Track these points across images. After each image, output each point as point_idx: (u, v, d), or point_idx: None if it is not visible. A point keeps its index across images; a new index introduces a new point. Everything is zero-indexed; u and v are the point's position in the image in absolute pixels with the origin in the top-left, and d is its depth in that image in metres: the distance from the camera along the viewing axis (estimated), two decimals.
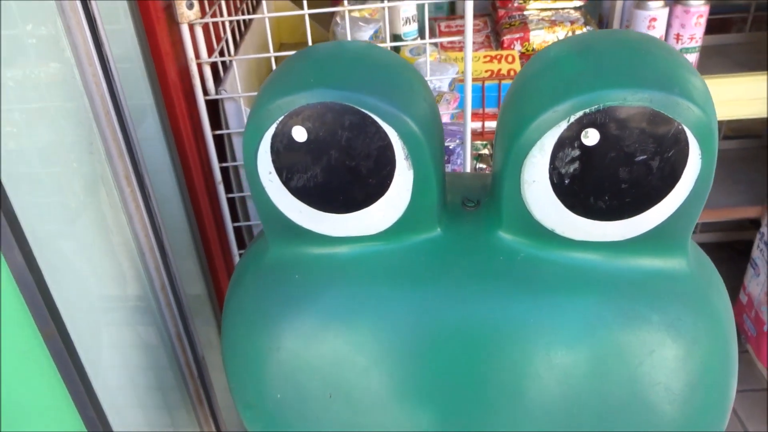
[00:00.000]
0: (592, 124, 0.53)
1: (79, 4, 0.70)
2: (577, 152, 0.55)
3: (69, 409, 0.68)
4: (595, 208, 0.57)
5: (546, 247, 0.61)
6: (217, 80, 1.06)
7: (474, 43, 1.79)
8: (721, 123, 2.37)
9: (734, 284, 2.13)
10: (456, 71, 1.24)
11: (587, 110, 0.53)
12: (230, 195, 1.11)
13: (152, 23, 0.95)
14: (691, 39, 1.71)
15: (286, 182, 0.61)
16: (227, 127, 1.05)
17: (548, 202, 0.58)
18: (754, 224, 2.03)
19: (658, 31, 1.71)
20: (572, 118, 0.53)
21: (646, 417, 0.60)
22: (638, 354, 0.59)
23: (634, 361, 0.59)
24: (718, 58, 1.98)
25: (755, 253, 2.05)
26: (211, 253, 1.17)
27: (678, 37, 1.73)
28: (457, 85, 1.31)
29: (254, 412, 0.69)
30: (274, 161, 0.60)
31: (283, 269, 0.67)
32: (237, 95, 1.02)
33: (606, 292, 0.61)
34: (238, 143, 1.07)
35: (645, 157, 0.54)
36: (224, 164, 1.07)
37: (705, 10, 1.68)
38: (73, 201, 0.86)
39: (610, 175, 0.55)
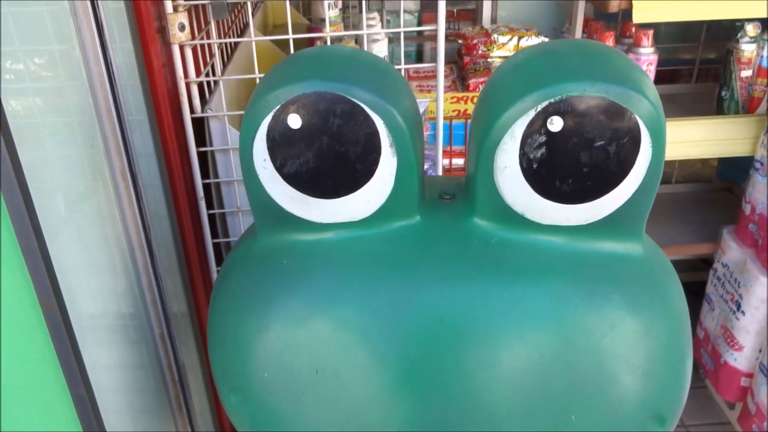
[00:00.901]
0: (557, 113, 0.60)
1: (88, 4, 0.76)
2: (543, 138, 0.61)
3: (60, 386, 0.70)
4: (560, 192, 0.64)
5: (517, 231, 0.68)
6: (204, 100, 1.12)
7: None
8: (672, 165, 2.52)
9: (691, 322, 2.21)
10: (426, 104, 1.32)
11: (552, 100, 0.60)
12: (211, 211, 1.15)
13: (147, 43, 1.02)
14: None
15: (280, 169, 0.66)
16: (211, 145, 1.10)
17: (518, 187, 0.65)
18: (708, 264, 2.14)
19: None
20: (539, 107, 0.60)
21: (609, 388, 0.65)
22: (601, 328, 0.65)
23: (597, 334, 0.65)
24: (669, 105, 2.12)
25: (709, 288, 2.15)
26: (191, 268, 1.20)
27: None
28: (429, 122, 1.39)
29: (239, 396, 0.72)
30: (269, 148, 0.65)
31: (272, 256, 0.72)
32: (222, 114, 1.07)
33: (571, 273, 0.67)
34: (221, 160, 1.12)
35: (603, 142, 0.61)
36: (207, 180, 1.12)
37: (654, 58, 1.82)
38: (73, 189, 0.91)
39: (573, 160, 0.62)
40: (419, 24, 2.33)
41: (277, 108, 0.63)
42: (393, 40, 1.85)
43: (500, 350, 0.64)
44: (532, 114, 0.61)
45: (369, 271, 0.68)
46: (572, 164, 0.62)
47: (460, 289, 0.66)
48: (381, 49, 1.47)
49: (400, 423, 0.64)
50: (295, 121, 0.63)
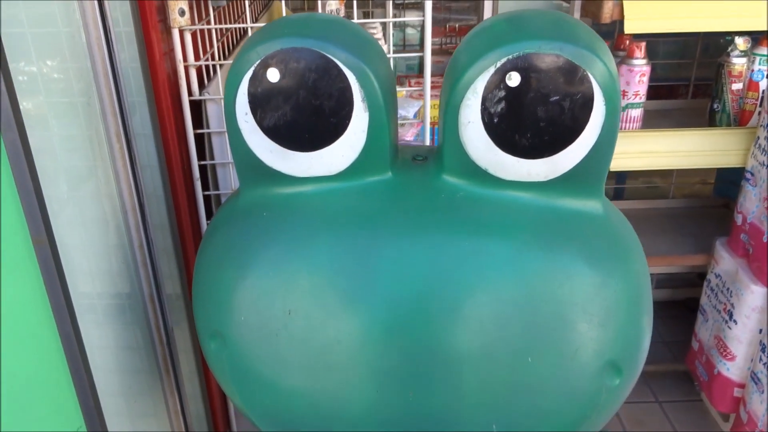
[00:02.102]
0: (514, 68, 0.65)
1: None
2: (503, 93, 0.66)
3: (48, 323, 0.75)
4: (519, 146, 0.68)
5: (482, 186, 0.72)
6: (203, 86, 1.18)
7: (434, 96, 1.97)
8: (669, 180, 2.54)
9: (686, 338, 2.23)
10: (419, 105, 1.38)
11: (510, 56, 0.65)
12: (206, 192, 1.20)
13: (148, 27, 1.08)
14: (636, 95, 1.88)
15: (260, 122, 0.71)
16: (208, 127, 1.15)
17: (481, 142, 0.69)
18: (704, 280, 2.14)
19: None
20: (498, 64, 0.65)
21: (565, 333, 0.68)
22: (559, 277, 0.69)
23: (555, 283, 0.68)
24: (664, 120, 2.17)
25: (703, 300, 2.16)
26: (186, 249, 1.25)
27: (624, 93, 1.90)
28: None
29: (219, 341, 0.75)
30: (250, 102, 0.70)
31: (253, 209, 0.76)
32: (219, 97, 1.13)
33: (532, 226, 0.71)
34: (217, 143, 1.17)
35: (557, 98, 0.66)
36: (203, 162, 1.17)
37: (647, 69, 1.87)
38: (74, 169, 0.96)
39: (530, 114, 0.66)
40: (423, 37, 2.40)
41: (257, 63, 0.68)
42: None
43: (462, 295, 0.68)
44: (492, 70, 0.66)
45: (341, 221, 0.72)
46: (530, 118, 0.67)
47: (426, 238, 0.70)
48: None
49: (366, 362, 0.68)
50: (273, 75, 0.68)
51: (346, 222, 0.72)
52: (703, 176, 2.71)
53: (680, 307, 2.59)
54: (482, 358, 0.67)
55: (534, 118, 0.67)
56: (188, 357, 1.33)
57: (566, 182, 0.71)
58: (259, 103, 0.70)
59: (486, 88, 0.66)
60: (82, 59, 0.98)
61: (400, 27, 2.38)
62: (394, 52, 1.95)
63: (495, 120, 0.68)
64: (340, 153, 0.72)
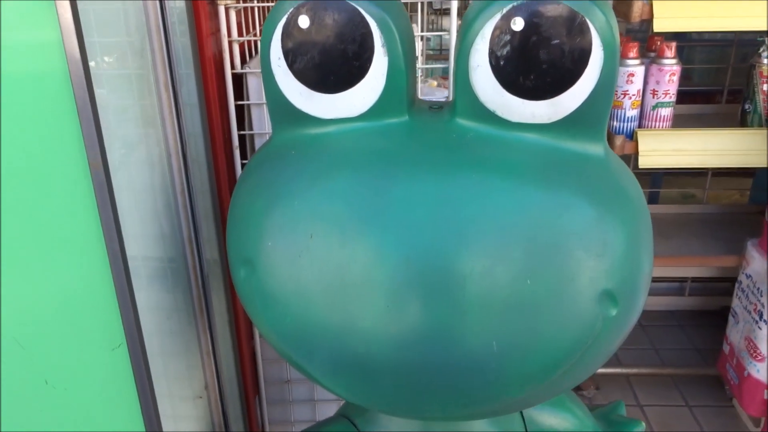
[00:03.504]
0: (519, 14, 0.72)
1: None
2: (508, 37, 0.73)
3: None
4: (524, 87, 0.75)
5: (490, 128, 0.79)
6: (245, 63, 1.28)
7: None
8: (702, 185, 2.54)
9: (719, 346, 2.22)
10: (445, 94, 1.46)
11: (515, 3, 0.72)
12: (244, 161, 1.29)
13: (198, 6, 1.19)
14: (666, 94, 1.92)
15: (291, 65, 0.79)
16: (248, 99, 1.25)
17: (489, 84, 0.76)
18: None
19: (635, 86, 1.92)
20: (504, 10, 0.72)
21: (563, 260, 0.74)
22: (558, 209, 0.74)
23: (554, 213, 0.74)
24: (697, 123, 2.20)
25: (734, 302, 2.16)
26: (225, 215, 1.34)
27: (654, 92, 1.94)
28: None
29: (248, 268, 0.83)
30: (282, 47, 0.79)
31: (283, 148, 0.85)
32: (258, 71, 1.23)
33: (535, 163, 0.77)
34: (256, 114, 1.27)
35: (558, 41, 0.72)
36: (242, 132, 1.27)
37: (677, 69, 1.90)
38: (128, 136, 1.05)
39: (534, 57, 0.73)
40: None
41: (290, 11, 0.77)
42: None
43: (467, 221, 0.74)
44: (498, 16, 0.73)
45: (360, 156, 0.80)
46: (533, 61, 0.73)
47: (437, 171, 0.77)
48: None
49: (378, 280, 0.74)
50: (304, 22, 0.77)
51: (365, 157, 0.80)
52: (738, 185, 2.71)
53: (714, 316, 2.58)
54: (484, 278, 0.72)
55: (537, 60, 0.73)
56: (222, 319, 1.41)
57: (569, 125, 0.77)
58: (290, 48, 0.79)
59: (493, 33, 0.73)
60: (141, 35, 1.08)
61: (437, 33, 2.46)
62: (430, 56, 2.03)
63: (501, 63, 0.74)
64: (362, 95, 0.80)
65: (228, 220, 0.89)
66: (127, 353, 0.87)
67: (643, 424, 1.24)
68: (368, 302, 0.75)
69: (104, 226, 0.83)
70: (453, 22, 1.22)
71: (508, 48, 0.74)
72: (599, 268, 0.75)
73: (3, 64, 0.78)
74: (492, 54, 0.74)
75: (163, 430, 0.94)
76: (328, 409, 1.62)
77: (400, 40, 0.78)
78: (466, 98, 0.78)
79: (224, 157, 1.29)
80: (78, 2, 0.80)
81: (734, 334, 2.12)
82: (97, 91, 0.85)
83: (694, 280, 2.62)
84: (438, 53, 2.44)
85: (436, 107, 0.86)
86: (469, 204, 0.74)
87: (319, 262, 0.77)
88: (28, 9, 0.77)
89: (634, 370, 2.31)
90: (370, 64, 0.78)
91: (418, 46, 1.69)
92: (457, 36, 0.79)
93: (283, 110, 0.84)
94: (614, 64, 0.74)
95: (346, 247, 0.76)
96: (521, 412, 1.10)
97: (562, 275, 0.74)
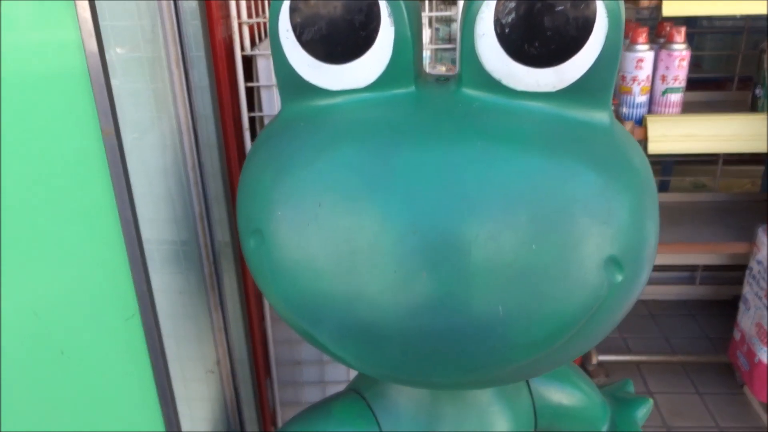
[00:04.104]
0: None
1: None
2: (513, 4, 0.74)
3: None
4: (529, 55, 0.76)
5: (496, 96, 0.79)
6: (255, 45, 1.30)
7: None
8: (714, 174, 2.53)
9: (730, 335, 2.21)
10: None
11: None
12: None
13: None
14: (675, 80, 1.92)
15: (299, 36, 0.81)
16: (258, 81, 1.26)
17: (494, 52, 0.77)
18: None
19: (645, 72, 1.92)
20: None
21: (568, 226, 0.74)
22: (563, 175, 0.75)
23: (559, 179, 0.75)
24: (708, 110, 2.19)
25: (745, 289, 2.15)
26: (235, 196, 1.36)
27: (663, 78, 1.94)
28: None
29: (258, 238, 0.85)
30: (291, 18, 0.80)
31: (291, 120, 0.86)
32: (267, 53, 1.25)
33: (540, 131, 0.78)
34: (265, 96, 1.28)
35: (562, 8, 0.73)
36: (252, 114, 1.28)
37: (687, 54, 1.90)
38: (140, 120, 1.07)
39: (538, 23, 0.74)
40: None
41: None
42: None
43: (473, 187, 0.75)
44: None
45: (367, 126, 0.81)
46: (538, 28, 0.74)
47: (442, 138, 0.78)
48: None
49: (385, 245, 0.75)
50: None
51: (371, 127, 0.81)
52: (750, 174, 2.69)
53: (726, 306, 2.57)
54: (490, 243, 0.73)
55: (542, 27, 0.74)
56: (234, 300, 1.43)
57: (574, 93, 0.78)
58: (298, 19, 0.80)
59: (498, 1, 0.74)
60: (152, 18, 1.10)
61: (446, 21, 2.47)
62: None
63: (507, 30, 0.75)
64: (369, 65, 0.81)
65: (238, 193, 0.91)
66: (141, 324, 0.89)
67: (651, 401, 1.24)
68: (375, 268, 0.76)
69: (117, 196, 0.85)
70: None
71: (513, 15, 0.74)
72: (604, 234, 0.76)
73: (16, 42, 0.81)
74: (497, 22, 0.75)
75: (176, 402, 0.95)
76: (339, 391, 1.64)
77: (407, 10, 0.79)
78: (471, 67, 0.79)
79: (234, 140, 1.30)
80: None
81: (745, 320, 2.11)
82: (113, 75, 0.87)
83: (705, 269, 2.61)
84: (446, 41, 2.44)
85: (443, 79, 0.87)
86: (474, 171, 0.75)
87: (327, 229, 0.78)
88: None
89: (644, 358, 2.31)
90: (376, 35, 0.79)
91: (426, 34, 1.69)
92: (464, 5, 0.80)
93: (291, 83, 0.85)
94: (619, 32, 0.75)
95: (353, 214, 0.77)
96: (529, 388, 1.11)
97: (567, 241, 0.74)
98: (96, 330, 0.91)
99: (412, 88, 0.83)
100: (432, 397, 1.02)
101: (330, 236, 0.78)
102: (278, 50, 0.83)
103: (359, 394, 1.07)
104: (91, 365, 0.92)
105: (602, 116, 0.80)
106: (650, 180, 0.83)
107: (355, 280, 0.77)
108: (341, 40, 0.80)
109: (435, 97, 0.83)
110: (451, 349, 0.77)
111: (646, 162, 0.84)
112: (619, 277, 0.77)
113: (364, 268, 0.77)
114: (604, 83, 0.78)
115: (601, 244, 0.76)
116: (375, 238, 0.76)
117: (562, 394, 1.14)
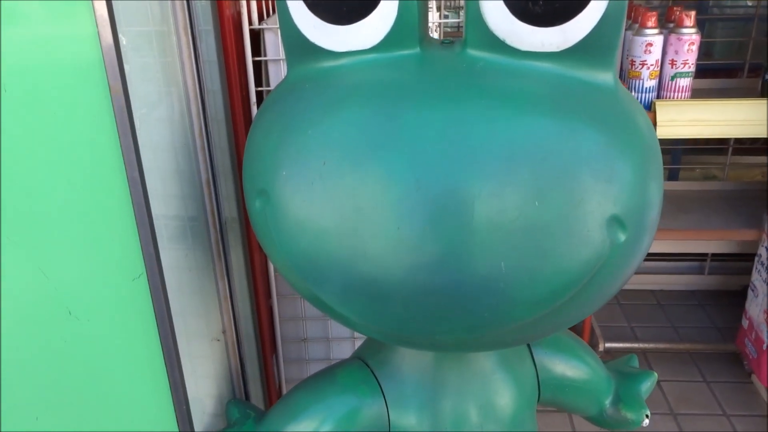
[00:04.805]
0: None
1: None
2: None
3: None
4: (533, 13, 0.76)
5: (500, 56, 0.80)
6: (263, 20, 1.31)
7: None
8: (723, 163, 2.52)
9: (738, 325, 2.20)
10: None
11: None
12: None
13: None
14: (684, 64, 1.91)
15: None
16: (265, 56, 1.27)
17: (498, 11, 0.77)
18: None
19: (654, 56, 1.91)
20: None
21: (571, 183, 0.74)
22: (565, 133, 0.75)
23: (562, 138, 0.75)
24: (717, 96, 2.18)
25: (754, 276, 2.14)
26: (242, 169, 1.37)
27: (672, 62, 1.93)
28: None
29: (263, 198, 0.85)
30: None
31: (297, 83, 0.87)
32: (276, 26, 1.25)
33: (544, 90, 0.78)
34: (273, 70, 1.29)
35: None
36: (260, 88, 1.29)
37: (696, 38, 1.89)
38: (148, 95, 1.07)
39: None
40: None
41: None
42: None
43: (476, 144, 0.75)
44: None
45: (372, 86, 0.81)
46: None
47: (446, 96, 0.78)
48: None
49: (389, 202, 0.76)
50: None
51: (376, 87, 0.81)
52: (759, 163, 2.68)
53: (734, 296, 2.56)
54: (493, 199, 0.74)
55: None
56: (240, 276, 1.44)
57: (578, 53, 0.78)
58: None
59: None
60: None
61: (455, 10, 2.48)
62: (448, 34, 2.04)
63: None
64: (374, 26, 0.81)
65: (244, 156, 0.91)
66: (147, 283, 0.90)
67: (656, 375, 1.24)
68: (379, 225, 0.77)
69: (124, 151, 0.86)
70: None
71: None
72: (607, 193, 0.76)
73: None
74: None
75: (181, 364, 0.96)
76: None
77: None
78: (476, 28, 0.80)
79: (242, 115, 1.31)
80: None
81: (753, 307, 2.10)
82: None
83: (714, 258, 2.60)
84: (455, 29, 2.45)
85: (448, 42, 0.87)
86: (478, 128, 0.76)
87: (332, 187, 0.79)
88: None
89: (651, 345, 2.30)
90: None
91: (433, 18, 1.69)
92: None
93: (297, 45, 0.86)
94: None
95: (357, 171, 0.77)
96: (533, 359, 1.11)
97: (570, 198, 0.75)
98: (103, 290, 0.92)
99: (416, 50, 0.84)
100: (435, 364, 1.02)
101: (334, 194, 0.79)
102: (284, 12, 0.84)
103: (363, 362, 1.08)
104: (98, 325, 0.93)
105: (606, 77, 0.80)
106: (655, 143, 0.83)
107: (359, 237, 0.78)
108: (347, 1, 0.81)
109: (440, 58, 0.84)
110: (454, 305, 0.78)
111: (651, 126, 0.84)
112: (622, 237, 0.78)
113: (368, 225, 0.77)
114: (608, 43, 0.78)
115: (604, 203, 0.76)
116: (379, 194, 0.77)
117: (566, 366, 1.14)
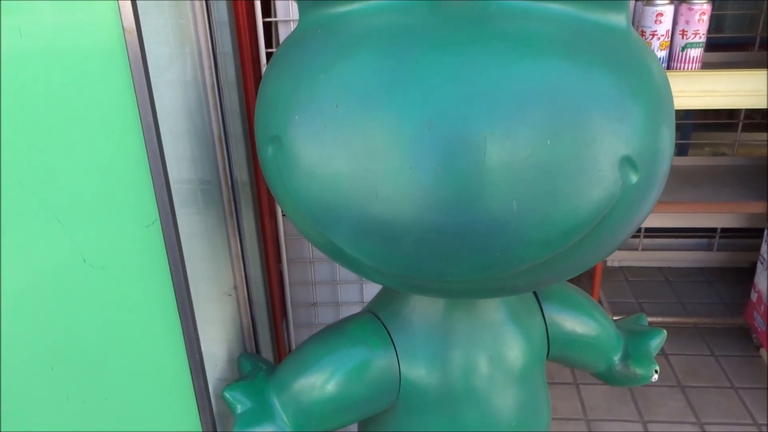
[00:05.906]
0: None
1: None
2: None
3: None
4: None
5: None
6: None
7: None
8: (733, 138, 2.50)
9: (747, 301, 2.20)
10: None
11: None
12: None
13: None
14: (695, 34, 1.90)
15: None
16: (275, 17, 1.28)
17: None
18: None
19: (664, 26, 1.90)
20: None
21: (583, 123, 0.75)
22: (578, 73, 0.76)
23: (575, 77, 0.75)
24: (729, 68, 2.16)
25: (763, 249, 2.14)
26: (253, 135, 1.37)
27: (683, 33, 1.92)
28: None
29: (275, 144, 0.86)
30: None
31: (309, 29, 0.88)
32: None
33: (556, 31, 0.78)
34: (283, 32, 1.29)
35: None
36: (270, 50, 1.30)
37: (707, 8, 1.88)
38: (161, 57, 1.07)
39: None
40: None
41: None
42: None
43: (488, 84, 0.75)
44: None
45: (384, 30, 0.82)
46: None
47: (457, 38, 0.78)
48: None
49: (402, 142, 0.76)
50: None
51: (388, 30, 0.82)
52: None
53: (743, 273, 2.56)
54: (505, 138, 0.74)
55: None
56: (251, 238, 1.45)
57: None
58: None
59: None
60: None
61: None
62: None
63: None
64: None
65: (256, 106, 0.92)
66: (161, 230, 0.91)
67: (665, 332, 1.25)
68: (391, 166, 0.77)
69: (140, 103, 0.86)
70: None
71: None
72: (619, 133, 0.76)
73: None
74: None
75: (195, 311, 0.97)
76: None
77: None
78: None
79: (252, 77, 1.32)
80: None
81: (762, 281, 2.10)
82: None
83: (723, 233, 2.59)
84: None
85: None
86: (490, 69, 0.76)
87: (345, 130, 0.79)
88: None
89: (659, 319, 2.31)
90: None
91: None
92: None
93: None
94: None
95: (369, 113, 0.78)
96: (542, 314, 1.12)
97: (581, 138, 0.75)
98: (117, 237, 0.93)
99: None
100: (446, 315, 1.03)
101: (347, 136, 0.79)
102: None
103: (374, 314, 1.09)
104: (112, 273, 0.95)
105: (620, 19, 0.80)
106: (667, 89, 0.83)
107: (372, 178, 0.79)
108: None
109: (451, 2, 0.84)
110: (465, 245, 0.78)
111: (663, 71, 0.84)
112: (634, 178, 0.78)
113: (380, 166, 0.78)
114: None
115: (616, 143, 0.76)
116: (391, 135, 0.77)
117: (576, 322, 1.15)
